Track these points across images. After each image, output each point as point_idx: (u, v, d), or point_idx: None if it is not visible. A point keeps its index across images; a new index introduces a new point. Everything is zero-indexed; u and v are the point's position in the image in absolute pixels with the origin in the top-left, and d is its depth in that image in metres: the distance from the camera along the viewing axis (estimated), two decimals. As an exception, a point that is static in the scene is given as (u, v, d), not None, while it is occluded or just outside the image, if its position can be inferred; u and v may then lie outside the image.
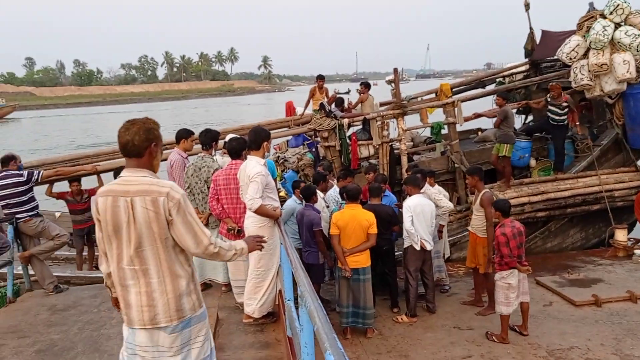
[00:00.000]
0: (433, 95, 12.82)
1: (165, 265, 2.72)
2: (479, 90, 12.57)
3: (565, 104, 9.69)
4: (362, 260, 6.31)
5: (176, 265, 2.76)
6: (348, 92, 11.38)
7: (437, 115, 11.55)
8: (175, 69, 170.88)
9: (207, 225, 5.73)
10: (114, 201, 2.67)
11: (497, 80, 13.50)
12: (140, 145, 2.69)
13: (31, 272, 6.51)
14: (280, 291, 5.00)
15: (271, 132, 10.35)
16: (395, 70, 10.74)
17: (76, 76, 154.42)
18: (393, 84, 11.23)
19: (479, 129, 12.88)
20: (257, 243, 3.29)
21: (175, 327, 2.74)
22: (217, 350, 4.49)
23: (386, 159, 9.81)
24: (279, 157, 11.12)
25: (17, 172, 6.34)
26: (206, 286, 6.05)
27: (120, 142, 2.72)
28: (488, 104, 12.08)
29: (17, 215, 6.14)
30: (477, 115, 10.99)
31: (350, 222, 6.21)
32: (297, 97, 18.57)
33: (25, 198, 6.18)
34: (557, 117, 9.82)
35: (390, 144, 9.96)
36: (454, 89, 12.67)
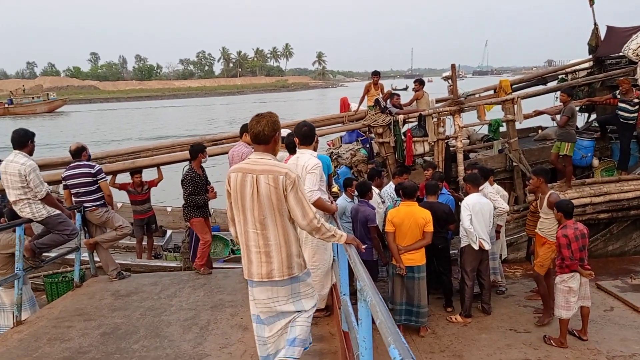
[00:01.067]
0: (491, 92, 12.55)
1: (281, 232, 3.30)
2: (540, 87, 12.18)
3: (636, 100, 9.27)
4: (417, 258, 6.26)
5: (290, 233, 3.34)
6: (406, 89, 11.31)
7: (495, 113, 11.29)
8: (231, 65, 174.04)
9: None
10: (242, 177, 3.30)
11: (559, 77, 13.04)
12: (268, 135, 3.33)
13: (96, 258, 6.82)
14: (334, 286, 5.04)
15: (325, 127, 10.53)
16: (453, 66, 10.56)
17: (137, 71, 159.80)
18: (450, 81, 11.06)
19: (539, 127, 12.48)
20: (356, 241, 3.62)
21: (286, 281, 3.31)
22: (272, 341, 4.60)
23: (441, 156, 9.68)
24: (332, 152, 11.18)
25: (88, 163, 6.65)
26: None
27: (253, 132, 3.35)
28: (549, 101, 11.69)
29: (85, 205, 6.44)
30: (538, 113, 10.66)
31: (406, 219, 6.18)
32: (350, 93, 18.60)
33: (92, 188, 6.46)
34: (627, 114, 9.40)
35: (446, 141, 9.81)
36: (513, 86, 12.34)
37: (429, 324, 6.62)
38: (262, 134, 3.33)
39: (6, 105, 68.34)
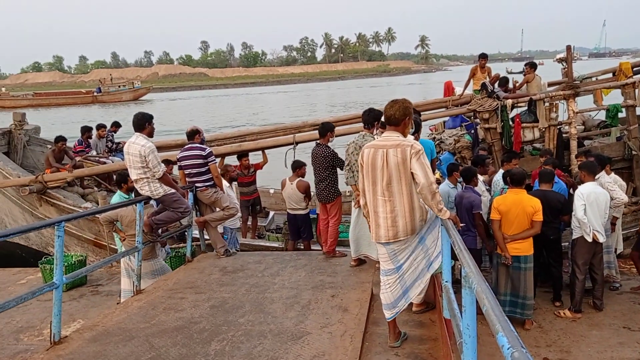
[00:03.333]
0: (609, 75, 11.66)
1: (406, 200, 3.87)
2: (667, 69, 11.13)
3: None
4: (524, 248, 6.01)
5: (414, 200, 3.89)
6: (523, 72, 10.79)
7: (613, 97, 10.48)
8: (333, 50, 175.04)
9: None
10: (374, 152, 3.93)
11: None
12: (399, 118, 3.93)
13: (206, 236, 7.22)
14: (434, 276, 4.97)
15: (427, 112, 10.33)
16: (569, 47, 9.91)
17: (243, 58, 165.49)
18: (564, 63, 10.43)
19: (664, 113, 11.44)
20: (455, 219, 3.88)
21: (411, 239, 3.99)
22: (371, 324, 4.66)
23: (553, 143, 9.15)
24: (434, 137, 10.95)
25: (200, 146, 7.04)
26: (360, 262, 6.23)
27: (386, 115, 3.98)
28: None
29: (196, 185, 6.83)
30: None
31: (512, 207, 5.93)
32: (454, 77, 18.06)
33: (203, 170, 6.83)
34: None
35: (558, 127, 9.27)
36: (635, 69, 11.37)
37: (535, 317, 6.35)
38: (394, 117, 3.92)
39: (95, 94, 72.23)
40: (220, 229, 7.41)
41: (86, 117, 47.30)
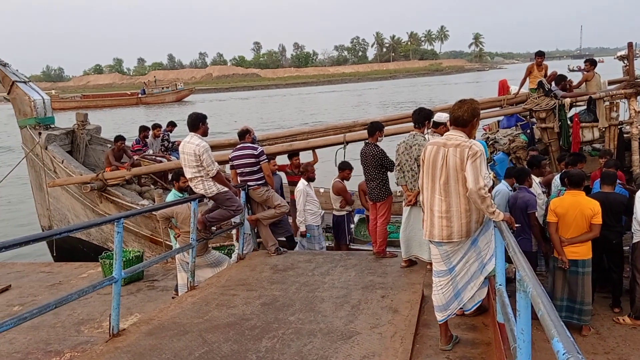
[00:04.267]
0: (677, 73, 11.09)
1: (463, 201, 3.85)
2: None
3: None
4: (582, 251, 5.80)
5: (470, 201, 3.81)
6: (582, 70, 10.48)
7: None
8: (384, 49, 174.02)
9: (415, 203, 5.81)
10: (437, 149, 3.94)
11: None
12: (467, 119, 3.91)
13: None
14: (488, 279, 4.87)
15: (482, 112, 10.09)
16: (630, 44, 9.52)
17: (295, 58, 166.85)
18: (625, 60, 9.97)
19: None
20: (510, 220, 3.87)
21: (465, 241, 3.95)
22: (422, 326, 4.62)
23: (613, 143, 8.79)
24: (488, 137, 10.70)
25: (252, 145, 7.17)
26: (411, 263, 6.17)
27: (453, 116, 3.94)
28: None
29: (248, 183, 6.96)
30: None
31: (570, 209, 5.74)
32: (509, 75, 17.60)
33: (255, 169, 6.96)
34: None
35: (619, 127, 8.89)
36: None
37: (593, 323, 6.12)
38: (462, 118, 3.90)
39: (139, 96, 73.82)
40: (302, 228, 7.73)
41: (130, 118, 48.71)
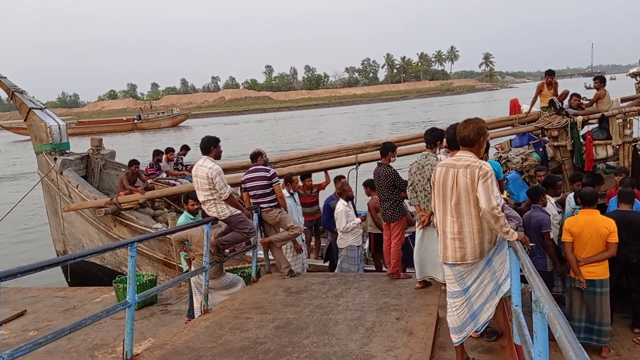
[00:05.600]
0: (691, 88, 11.02)
1: (475, 222, 3.82)
2: None
3: None
4: (600, 271, 5.71)
5: (482, 221, 3.79)
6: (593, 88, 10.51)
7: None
8: (395, 70, 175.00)
9: (428, 224, 5.78)
10: (446, 171, 3.93)
11: None
12: (474, 139, 3.88)
13: (270, 256, 7.32)
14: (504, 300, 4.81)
15: (493, 131, 10.10)
16: (643, 60, 9.49)
17: (306, 81, 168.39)
18: (638, 77, 9.96)
19: None
20: (524, 239, 3.81)
21: (479, 262, 3.91)
22: (438, 348, 4.56)
23: (628, 161, 8.72)
24: (500, 156, 10.66)
25: (265, 167, 7.20)
26: (426, 284, 6.11)
27: (460, 136, 3.92)
28: None
29: (261, 205, 6.97)
30: None
31: (585, 228, 5.67)
32: (520, 94, 17.58)
33: (268, 191, 6.97)
34: None
35: (633, 144, 8.82)
36: None
37: (613, 344, 5.99)
38: (468, 138, 3.88)
39: (135, 122, 74.04)
40: (344, 243, 7.65)
41: (126, 144, 48.99)
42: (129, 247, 4.58)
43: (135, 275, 4.63)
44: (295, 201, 8.07)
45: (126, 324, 4.57)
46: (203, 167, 6.07)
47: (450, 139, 4.96)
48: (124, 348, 4.56)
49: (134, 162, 10.74)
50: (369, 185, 7.89)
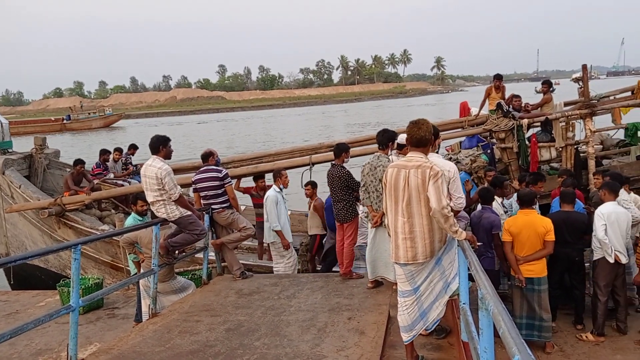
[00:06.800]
0: (628, 94, 11.55)
1: (425, 222, 3.88)
2: (688, 87, 10.98)
3: None
4: (537, 269, 5.90)
5: (433, 221, 3.86)
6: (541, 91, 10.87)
7: (633, 116, 10.37)
8: (349, 72, 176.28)
9: (381, 224, 5.82)
10: (397, 172, 3.98)
11: None
12: (429, 139, 4.00)
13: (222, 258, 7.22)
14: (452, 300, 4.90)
15: (444, 132, 10.30)
16: (584, 66, 9.86)
17: (260, 81, 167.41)
18: (580, 82, 10.33)
19: (687, 131, 11.26)
20: (472, 239, 3.92)
21: (429, 261, 3.96)
22: (389, 347, 4.59)
23: (570, 162, 9.05)
24: (450, 158, 10.89)
25: (216, 167, 7.09)
26: (377, 283, 6.16)
27: (416, 137, 3.97)
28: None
29: (213, 207, 6.86)
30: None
31: (524, 228, 5.86)
32: (470, 97, 18.03)
33: (219, 192, 6.86)
34: None
35: (575, 146, 9.18)
36: (655, 86, 11.24)
37: (557, 341, 6.20)
38: (425, 138, 3.97)
39: (64, 122, 70.71)
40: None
41: (53, 146, 47.25)
42: (72, 250, 4.42)
43: (79, 278, 4.46)
44: (284, 198, 7.87)
45: (70, 329, 4.41)
46: (152, 167, 5.92)
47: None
48: (68, 353, 4.40)
49: (79, 162, 10.39)
50: (313, 185, 8.00)
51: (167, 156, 6.10)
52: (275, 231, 7.56)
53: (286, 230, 7.70)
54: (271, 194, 7.69)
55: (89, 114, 75.12)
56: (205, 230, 6.50)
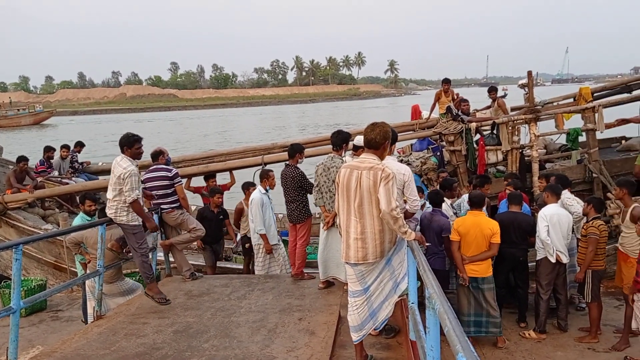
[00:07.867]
0: (570, 100, 12.03)
1: (377, 222, 3.94)
2: (625, 96, 11.53)
3: None
4: (482, 269, 6.09)
5: (383, 222, 3.91)
6: (504, 96, 11.23)
7: (574, 122, 10.79)
8: (304, 73, 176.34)
9: (333, 224, 5.85)
10: (350, 172, 4.02)
11: (647, 84, 12.26)
12: (379, 142, 4.02)
13: (171, 259, 7.08)
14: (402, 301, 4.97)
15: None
16: (530, 73, 10.19)
17: (214, 80, 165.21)
18: (526, 88, 10.68)
19: (623, 137, 11.82)
20: (421, 239, 4.01)
21: (379, 261, 4.02)
22: (338, 347, 4.63)
23: (515, 165, 9.36)
24: (402, 160, 11.06)
25: (166, 167, 6.94)
26: (329, 284, 6.19)
27: (367, 139, 4.05)
28: (634, 111, 11.04)
29: (162, 206, 6.71)
30: (622, 122, 10.12)
31: (471, 229, 6.03)
32: (422, 101, 18.38)
33: (169, 191, 6.71)
34: None
35: (520, 150, 9.49)
36: (595, 94, 11.77)
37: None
38: (374, 140, 4.01)
39: None
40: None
41: None
42: (14, 250, 4.26)
43: (20, 279, 4.31)
44: (270, 199, 7.50)
45: (10, 332, 4.26)
46: (119, 166, 5.59)
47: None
48: (7, 357, 4.23)
49: (22, 159, 9.98)
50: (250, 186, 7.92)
51: (134, 156, 5.75)
52: (260, 234, 7.22)
53: (272, 233, 7.29)
54: (256, 196, 7.20)
55: (18, 110, 71.80)
56: (147, 248, 5.96)
